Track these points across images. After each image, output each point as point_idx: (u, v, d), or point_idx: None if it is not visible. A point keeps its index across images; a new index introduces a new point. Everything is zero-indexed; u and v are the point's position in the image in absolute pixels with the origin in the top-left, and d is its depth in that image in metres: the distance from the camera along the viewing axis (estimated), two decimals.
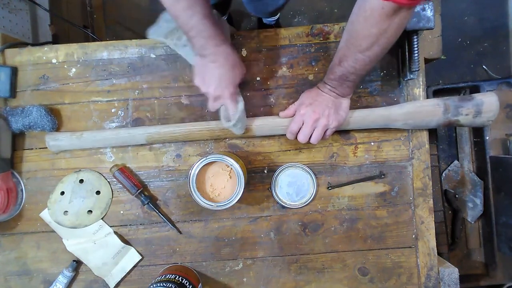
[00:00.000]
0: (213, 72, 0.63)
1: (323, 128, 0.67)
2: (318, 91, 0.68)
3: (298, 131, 0.69)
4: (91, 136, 0.74)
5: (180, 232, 0.78)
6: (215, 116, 0.75)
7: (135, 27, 1.57)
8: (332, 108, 0.67)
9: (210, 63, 0.63)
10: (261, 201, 0.78)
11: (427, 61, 0.79)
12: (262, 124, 0.73)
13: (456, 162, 1.13)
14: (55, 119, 0.76)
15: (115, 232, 0.77)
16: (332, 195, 0.78)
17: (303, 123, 0.68)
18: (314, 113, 0.67)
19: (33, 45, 0.81)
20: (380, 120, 0.72)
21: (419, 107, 0.70)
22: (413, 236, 0.78)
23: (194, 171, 0.66)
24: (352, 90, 0.67)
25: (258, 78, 0.78)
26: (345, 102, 0.69)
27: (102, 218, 0.77)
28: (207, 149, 0.78)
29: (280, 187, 0.77)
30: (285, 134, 0.73)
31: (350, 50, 0.59)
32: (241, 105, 0.67)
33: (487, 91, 1.09)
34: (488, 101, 0.67)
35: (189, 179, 0.66)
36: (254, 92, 0.78)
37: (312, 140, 0.69)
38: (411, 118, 0.69)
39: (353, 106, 0.75)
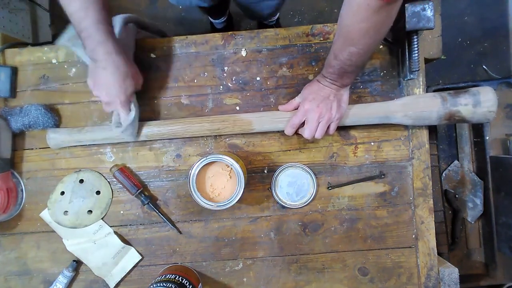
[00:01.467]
0: (104, 79, 0.64)
1: (327, 122, 0.68)
2: (320, 85, 0.68)
3: (299, 126, 0.70)
4: (92, 130, 0.74)
5: (180, 232, 0.78)
6: (215, 114, 0.75)
7: None
8: (334, 101, 0.67)
9: (101, 69, 0.63)
10: (261, 201, 0.78)
11: (427, 61, 0.79)
12: (261, 116, 0.73)
13: (456, 162, 1.13)
14: (56, 116, 0.76)
15: (115, 232, 0.77)
16: (332, 195, 0.78)
17: (306, 119, 0.69)
18: (318, 107, 0.67)
19: (33, 45, 0.81)
20: (380, 112, 0.71)
21: (417, 98, 0.70)
22: (413, 236, 0.78)
23: (194, 171, 0.66)
24: (353, 80, 0.68)
25: (258, 78, 0.78)
26: (346, 94, 0.69)
27: (102, 218, 0.77)
28: (207, 149, 0.78)
29: (280, 187, 0.77)
30: (284, 131, 0.73)
31: (343, 44, 0.59)
32: (132, 114, 0.68)
33: None
34: (483, 91, 0.67)
35: (189, 179, 0.66)
36: (254, 92, 0.78)
37: (317, 135, 0.69)
38: (411, 109, 0.69)
39: (353, 104, 0.75)
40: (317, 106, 0.67)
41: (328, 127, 0.70)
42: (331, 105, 0.67)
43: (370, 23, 0.53)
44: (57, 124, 0.76)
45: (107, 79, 0.64)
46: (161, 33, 0.90)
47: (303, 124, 0.71)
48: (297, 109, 0.72)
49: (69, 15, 0.58)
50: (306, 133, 0.69)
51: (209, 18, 1.35)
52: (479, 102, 0.66)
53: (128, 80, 0.66)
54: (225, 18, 1.33)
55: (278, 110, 0.75)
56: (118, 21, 0.72)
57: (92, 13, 0.57)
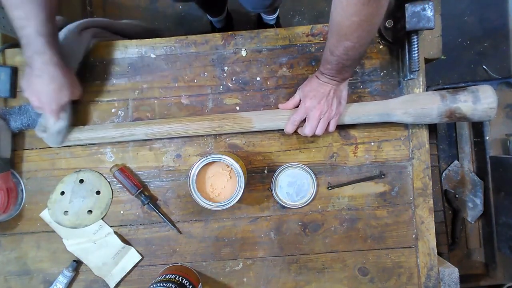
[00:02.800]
0: (37, 86, 0.64)
1: (327, 119, 0.69)
2: (319, 82, 0.68)
3: (299, 123, 0.71)
4: (91, 128, 0.74)
5: (180, 232, 0.78)
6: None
7: None
8: (334, 98, 0.68)
9: (35, 77, 0.63)
10: (261, 201, 0.78)
11: (427, 61, 0.79)
12: (261, 114, 0.73)
13: (456, 162, 1.13)
14: None
15: (115, 232, 0.77)
16: (332, 195, 0.78)
17: (307, 116, 0.69)
18: (319, 105, 0.67)
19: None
20: (379, 109, 0.71)
21: (416, 95, 0.71)
22: (413, 236, 0.78)
23: (194, 171, 0.66)
24: (352, 73, 0.68)
25: (258, 78, 0.78)
26: (345, 90, 0.69)
27: (102, 218, 0.77)
28: (207, 149, 0.78)
29: (280, 187, 0.77)
30: (284, 129, 0.73)
31: (337, 40, 0.59)
32: (60, 123, 0.69)
33: None
34: (482, 88, 0.67)
35: (189, 179, 0.66)
36: (254, 92, 0.78)
37: (318, 132, 0.70)
38: (411, 107, 0.69)
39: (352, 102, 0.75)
40: (318, 103, 0.67)
41: (328, 124, 0.70)
42: (331, 101, 0.67)
43: (361, 16, 0.53)
44: None
45: (41, 87, 0.64)
46: (152, 32, 0.90)
47: (303, 121, 0.71)
48: (297, 107, 0.72)
49: (11, 19, 0.59)
50: (307, 130, 0.69)
51: (208, 17, 1.35)
52: (479, 99, 0.66)
53: (62, 91, 0.66)
54: (223, 16, 1.33)
55: (278, 109, 0.75)
56: (71, 28, 0.73)
57: (34, 23, 0.58)
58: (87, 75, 0.78)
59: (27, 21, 0.57)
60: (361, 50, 0.61)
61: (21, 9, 0.57)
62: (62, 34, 0.72)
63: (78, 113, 0.78)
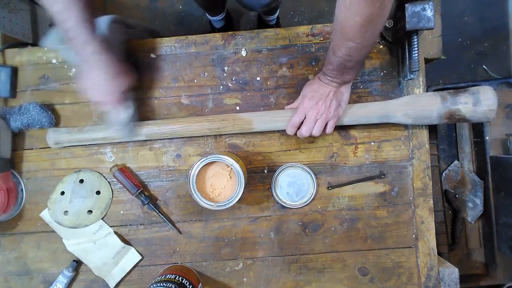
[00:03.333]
0: (93, 79, 0.63)
1: (325, 120, 0.68)
2: (320, 83, 0.68)
3: (300, 125, 0.70)
4: (92, 129, 0.74)
5: (180, 232, 0.78)
6: (215, 114, 0.75)
7: None
8: (334, 100, 0.67)
9: (89, 70, 0.63)
10: (261, 201, 0.78)
11: (427, 61, 0.79)
12: (262, 115, 0.73)
13: (456, 162, 1.13)
14: (52, 115, 0.76)
15: (115, 232, 0.77)
16: (332, 195, 0.78)
17: (305, 116, 0.69)
18: (316, 105, 0.67)
19: (33, 45, 0.81)
20: (379, 111, 0.71)
21: (416, 97, 0.70)
22: (413, 236, 0.78)
23: (194, 171, 0.66)
24: (354, 76, 0.67)
25: (258, 78, 0.78)
26: (346, 93, 0.69)
27: (102, 218, 0.77)
28: (207, 149, 0.78)
29: (280, 187, 0.77)
30: (285, 131, 0.73)
31: (340, 40, 0.59)
32: (126, 113, 0.68)
33: None
34: (482, 90, 0.67)
35: (189, 179, 0.66)
36: (254, 92, 0.78)
37: (314, 133, 0.69)
38: (411, 108, 0.69)
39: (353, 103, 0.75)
40: (316, 104, 0.67)
41: (326, 126, 0.69)
42: (330, 103, 0.67)
43: (364, 17, 0.53)
44: (53, 123, 0.76)
45: (97, 79, 0.63)
46: (150, 32, 0.90)
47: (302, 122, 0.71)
48: None
49: (53, 16, 0.58)
50: (304, 130, 0.69)
51: (208, 16, 1.35)
52: (479, 101, 0.66)
53: (118, 78, 0.65)
54: (223, 16, 1.33)
55: (279, 110, 0.75)
56: (103, 21, 0.72)
57: (76, 12, 0.57)
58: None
59: (67, 13, 0.56)
60: (363, 52, 0.61)
61: (60, 2, 0.56)
62: (99, 25, 0.71)
63: (78, 113, 0.78)
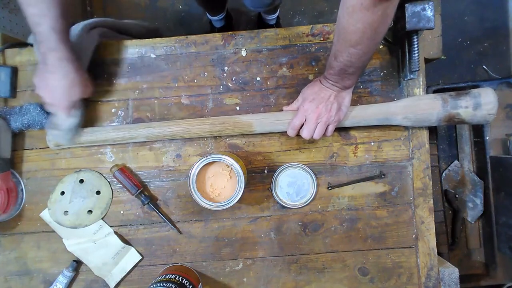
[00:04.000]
0: (50, 82, 0.65)
1: (325, 123, 0.68)
2: (321, 86, 0.68)
3: (300, 127, 0.70)
4: (92, 131, 0.74)
5: (180, 232, 0.78)
6: (215, 114, 0.75)
7: None
8: (334, 103, 0.67)
9: (48, 73, 0.64)
10: (261, 201, 0.78)
11: (427, 61, 0.79)
12: (262, 118, 0.73)
13: (456, 162, 1.13)
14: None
15: (115, 232, 0.77)
16: (332, 195, 0.78)
17: (306, 119, 0.69)
18: (317, 108, 0.67)
19: (33, 45, 0.81)
20: (380, 114, 0.71)
21: (417, 100, 0.70)
22: (413, 236, 0.78)
23: (194, 171, 0.66)
24: (355, 81, 0.67)
25: (258, 78, 0.78)
26: (348, 97, 0.69)
27: (102, 218, 0.77)
28: (207, 149, 0.78)
29: (280, 187, 0.77)
30: (286, 132, 0.73)
31: (342, 45, 0.59)
32: (71, 120, 0.70)
33: None
34: (484, 93, 0.67)
35: (189, 179, 0.66)
36: (254, 92, 0.78)
37: (315, 136, 0.69)
38: (411, 112, 0.69)
39: (354, 106, 0.75)
40: (317, 107, 0.67)
41: (326, 129, 0.69)
42: (330, 106, 0.67)
43: (365, 24, 0.53)
44: None
45: (53, 83, 0.65)
46: (152, 31, 0.90)
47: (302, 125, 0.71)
48: None
49: (26, 16, 0.59)
50: (304, 133, 0.69)
51: (208, 16, 1.35)
52: (480, 105, 0.66)
53: (75, 87, 0.67)
54: (223, 15, 1.33)
55: (279, 111, 0.75)
56: (78, 27, 0.73)
57: (48, 20, 0.59)
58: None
59: (42, 18, 0.58)
60: (364, 58, 0.61)
61: (36, 6, 0.57)
62: (71, 32, 0.72)
63: None
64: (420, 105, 0.69)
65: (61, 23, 0.61)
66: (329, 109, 0.67)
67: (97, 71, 0.78)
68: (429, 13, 0.66)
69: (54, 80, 0.65)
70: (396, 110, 0.70)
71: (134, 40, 0.79)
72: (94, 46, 0.75)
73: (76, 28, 0.73)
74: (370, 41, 0.57)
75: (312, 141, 0.78)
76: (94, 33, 0.76)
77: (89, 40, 0.75)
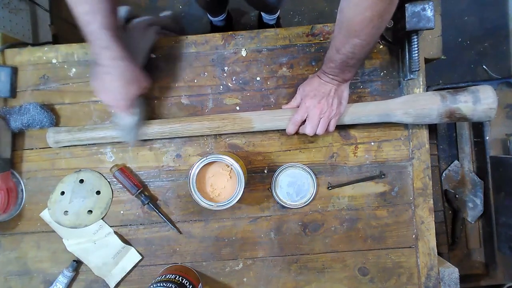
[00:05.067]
0: (106, 84, 0.64)
1: (328, 118, 0.69)
2: (320, 81, 0.68)
3: (301, 123, 0.71)
4: (92, 129, 0.74)
5: (180, 232, 0.78)
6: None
7: None
8: (335, 98, 0.68)
9: (104, 74, 0.63)
10: (261, 201, 0.78)
11: (427, 61, 0.79)
12: (262, 114, 0.73)
13: (456, 162, 1.13)
14: (53, 115, 0.76)
15: (115, 232, 0.77)
16: (332, 195, 0.78)
17: (308, 115, 0.69)
18: (319, 104, 0.67)
19: (33, 45, 0.81)
20: (380, 110, 0.71)
21: (416, 96, 0.71)
22: (413, 236, 0.78)
23: (194, 171, 0.66)
24: (354, 74, 0.67)
25: (258, 78, 0.78)
26: (346, 91, 0.70)
27: (102, 218, 0.77)
28: (207, 149, 0.78)
29: (280, 187, 0.77)
30: (285, 131, 0.73)
31: (346, 37, 0.59)
32: (133, 118, 0.69)
33: None
34: (482, 89, 0.67)
35: (189, 179, 0.66)
36: (254, 92, 0.78)
37: (318, 131, 0.70)
38: (411, 107, 0.69)
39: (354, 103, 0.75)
40: (318, 103, 0.67)
41: (328, 124, 0.70)
42: (331, 101, 0.68)
43: (374, 12, 0.53)
44: (53, 123, 0.76)
45: (111, 84, 0.63)
46: (181, 30, 0.90)
47: (304, 121, 0.71)
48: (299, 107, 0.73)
49: (76, 16, 0.58)
50: (308, 129, 0.69)
51: (209, 16, 1.35)
52: (479, 99, 0.66)
53: (132, 85, 0.65)
54: (224, 16, 1.33)
55: (279, 109, 0.75)
56: (137, 23, 0.72)
57: (100, 18, 0.57)
58: (87, 75, 0.78)
59: (93, 16, 0.56)
60: (366, 49, 0.61)
61: (86, 3, 0.56)
62: (130, 27, 0.71)
63: (78, 113, 0.78)
64: (419, 101, 0.69)
65: (112, 20, 0.59)
66: (330, 103, 0.67)
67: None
68: (429, 13, 0.66)
69: (110, 81, 0.63)
70: (395, 106, 0.70)
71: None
72: (152, 43, 0.75)
73: (136, 23, 0.71)
74: (375, 30, 0.57)
75: (312, 140, 0.78)
76: (152, 30, 0.75)
77: (147, 36, 0.73)
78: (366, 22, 0.55)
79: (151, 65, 0.78)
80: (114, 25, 0.60)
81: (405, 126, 0.78)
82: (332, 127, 0.71)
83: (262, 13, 1.35)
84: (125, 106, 0.67)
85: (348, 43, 0.59)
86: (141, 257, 0.78)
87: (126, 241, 0.78)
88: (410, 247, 0.78)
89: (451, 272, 0.77)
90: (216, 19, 1.33)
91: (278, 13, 1.34)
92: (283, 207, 0.78)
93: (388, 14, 0.55)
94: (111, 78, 0.63)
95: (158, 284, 0.65)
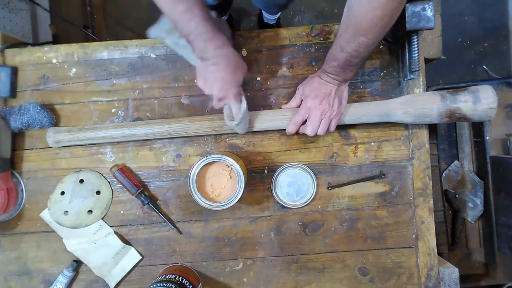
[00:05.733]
0: (215, 75, 0.62)
1: (329, 118, 0.69)
2: (321, 81, 0.68)
3: (301, 123, 0.71)
4: (92, 128, 0.74)
5: (180, 232, 0.78)
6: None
7: (135, 27, 1.57)
8: (336, 98, 0.68)
9: (212, 66, 0.62)
10: (261, 201, 0.78)
11: (427, 61, 0.79)
12: (262, 114, 0.73)
13: (456, 162, 1.13)
14: (52, 114, 0.76)
15: (115, 232, 0.77)
16: (332, 195, 0.78)
17: (309, 116, 0.69)
18: (320, 105, 0.67)
19: (33, 45, 0.81)
20: (380, 109, 0.71)
21: (416, 95, 0.71)
22: (413, 236, 0.78)
23: (194, 171, 0.66)
24: (354, 73, 0.67)
25: (258, 78, 0.78)
26: (346, 91, 0.70)
27: (102, 218, 0.77)
28: (207, 149, 0.78)
29: (280, 187, 0.77)
30: (285, 131, 0.73)
31: (352, 35, 0.58)
32: (244, 105, 0.67)
33: None
34: (482, 88, 0.67)
35: (189, 179, 0.66)
36: (254, 92, 0.78)
37: (320, 132, 0.70)
38: (411, 106, 0.69)
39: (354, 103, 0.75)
40: (320, 103, 0.67)
41: (329, 124, 0.70)
42: (332, 101, 0.68)
43: (385, 10, 0.53)
44: (53, 123, 0.76)
45: (220, 74, 0.62)
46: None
47: (304, 122, 0.71)
48: (299, 106, 0.73)
49: (174, 21, 0.57)
50: (309, 130, 0.69)
51: None
52: (479, 99, 0.66)
53: (239, 70, 0.64)
54: (225, 18, 1.33)
55: (279, 109, 0.75)
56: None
57: (198, 11, 0.56)
58: (86, 75, 0.78)
59: (192, 12, 0.56)
60: (371, 48, 0.61)
61: (182, 2, 0.55)
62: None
63: (78, 113, 0.78)
64: (419, 100, 0.69)
65: (207, 12, 0.58)
66: (331, 104, 0.67)
67: (97, 70, 0.78)
68: (429, 13, 0.66)
69: (220, 71, 0.62)
70: (395, 106, 0.70)
71: (133, 40, 0.79)
72: (229, 33, 0.74)
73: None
74: (382, 30, 0.57)
75: (312, 140, 0.78)
76: (223, 21, 0.74)
77: (224, 25, 0.73)
78: (376, 20, 0.54)
79: (151, 65, 0.78)
80: (210, 16, 0.59)
81: (405, 126, 0.78)
82: (333, 127, 0.71)
83: (264, 13, 1.35)
84: (238, 93, 0.65)
85: (353, 42, 0.59)
86: (141, 257, 0.78)
87: (126, 241, 0.78)
88: (410, 247, 0.78)
89: (451, 272, 0.77)
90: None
91: (280, 13, 1.34)
92: (283, 207, 0.78)
93: (397, 13, 0.55)
94: (219, 68, 0.62)
95: (158, 284, 0.65)
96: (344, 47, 0.60)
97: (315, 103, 0.68)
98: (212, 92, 0.65)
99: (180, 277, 0.69)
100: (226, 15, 1.32)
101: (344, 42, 0.60)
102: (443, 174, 1.13)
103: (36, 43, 1.00)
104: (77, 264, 0.77)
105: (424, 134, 0.78)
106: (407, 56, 0.72)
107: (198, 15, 0.56)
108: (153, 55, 0.78)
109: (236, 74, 0.64)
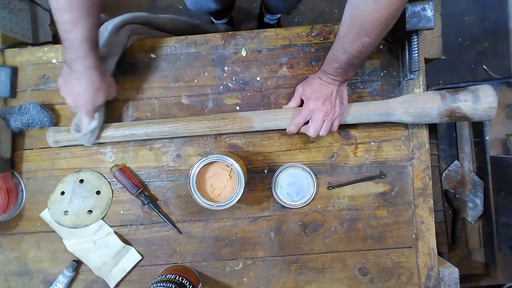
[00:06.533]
0: (75, 87, 0.65)
1: (331, 119, 0.69)
2: (321, 82, 0.68)
3: (303, 125, 0.71)
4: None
5: (180, 232, 0.78)
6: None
7: None
8: (337, 98, 0.68)
9: (75, 79, 0.64)
10: (261, 201, 0.78)
11: (427, 61, 0.79)
12: (262, 114, 0.73)
13: (456, 162, 1.13)
14: (52, 114, 0.76)
15: (115, 232, 0.77)
16: (332, 195, 0.78)
17: (311, 117, 0.69)
18: (323, 106, 0.67)
19: (33, 45, 0.81)
20: (380, 109, 0.71)
21: (416, 95, 0.71)
22: (413, 236, 0.78)
23: (194, 171, 0.66)
24: (354, 73, 0.68)
25: (258, 78, 0.78)
26: (345, 91, 0.70)
27: (102, 218, 0.77)
28: (207, 149, 0.78)
29: (280, 187, 0.77)
30: (285, 131, 0.73)
31: (356, 35, 0.58)
32: (94, 123, 0.70)
33: None
34: (481, 88, 0.67)
35: (189, 179, 0.66)
36: (254, 92, 0.78)
37: (322, 133, 0.70)
38: (411, 106, 0.69)
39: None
40: (322, 105, 0.67)
41: (332, 124, 0.70)
42: (334, 102, 0.68)
43: (391, 10, 0.53)
44: (53, 123, 0.76)
45: (78, 89, 0.65)
46: (193, 27, 0.90)
47: (305, 122, 0.71)
48: (299, 106, 0.73)
49: (56, 22, 0.59)
50: (311, 131, 0.69)
51: (211, 18, 1.35)
52: (479, 98, 0.66)
53: (99, 93, 0.67)
54: (227, 19, 1.33)
55: (279, 109, 0.75)
56: (107, 29, 0.72)
57: (81, 29, 0.58)
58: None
59: (74, 26, 0.58)
60: (372, 48, 0.61)
61: (70, 13, 0.56)
62: (101, 34, 0.71)
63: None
64: (419, 99, 0.69)
65: (93, 32, 0.61)
66: (333, 105, 0.68)
67: None
68: (429, 13, 0.66)
69: (78, 87, 0.65)
70: (395, 105, 0.70)
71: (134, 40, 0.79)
72: (124, 45, 0.75)
73: (105, 30, 0.72)
74: (385, 29, 0.57)
75: (312, 140, 0.78)
76: (123, 33, 0.75)
77: (118, 41, 0.74)
78: (380, 20, 0.54)
79: (151, 65, 0.78)
80: (93, 37, 0.61)
81: (405, 126, 0.78)
82: (335, 128, 0.71)
83: (266, 13, 1.35)
84: (90, 112, 0.68)
85: (357, 42, 0.58)
86: (141, 257, 0.78)
87: (126, 241, 0.78)
88: (410, 247, 0.78)
89: (451, 272, 0.77)
90: (219, 21, 1.33)
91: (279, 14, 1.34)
92: (283, 207, 0.78)
93: (399, 14, 0.56)
94: (80, 84, 0.64)
95: (158, 284, 0.65)
96: (347, 48, 0.60)
97: (318, 105, 0.68)
98: (66, 98, 0.68)
99: (180, 277, 0.69)
100: (228, 17, 1.32)
101: (347, 43, 0.60)
102: (443, 174, 1.13)
103: (36, 43, 1.00)
104: (77, 264, 0.77)
105: (424, 134, 0.78)
106: (407, 56, 0.72)
107: (80, 31, 0.58)
108: (153, 55, 0.78)
109: (95, 96, 0.67)
